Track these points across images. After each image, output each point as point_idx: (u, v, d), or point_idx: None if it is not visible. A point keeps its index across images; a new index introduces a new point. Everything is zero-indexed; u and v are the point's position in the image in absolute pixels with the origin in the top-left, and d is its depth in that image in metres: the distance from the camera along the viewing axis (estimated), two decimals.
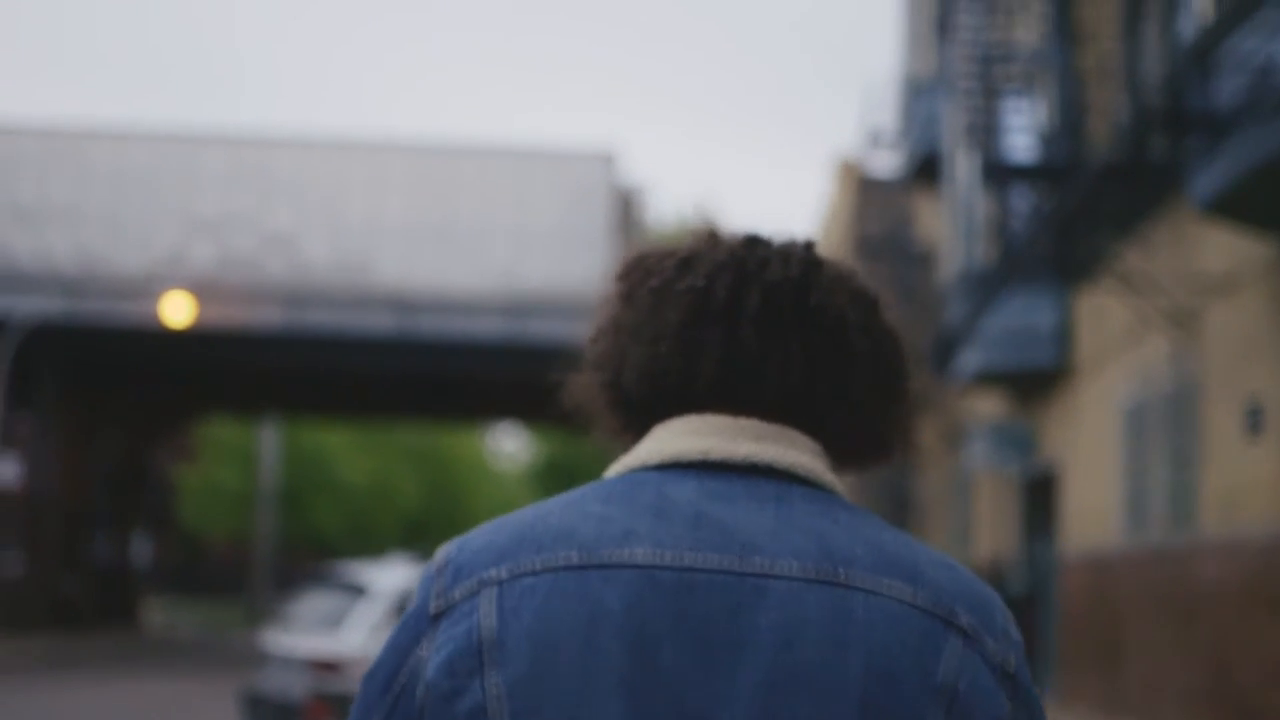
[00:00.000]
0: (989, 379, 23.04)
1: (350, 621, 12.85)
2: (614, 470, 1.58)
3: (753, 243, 1.62)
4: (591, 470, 55.51)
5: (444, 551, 1.53)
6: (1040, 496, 22.56)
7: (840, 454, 1.63)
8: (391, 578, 13.43)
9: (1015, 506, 23.56)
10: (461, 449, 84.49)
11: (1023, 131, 19.42)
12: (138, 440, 45.06)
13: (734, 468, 1.53)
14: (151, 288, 31.39)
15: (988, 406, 25.06)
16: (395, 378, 37.42)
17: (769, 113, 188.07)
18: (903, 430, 1.68)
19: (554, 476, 59.00)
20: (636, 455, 1.57)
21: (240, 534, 55.92)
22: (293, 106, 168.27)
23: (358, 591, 13.30)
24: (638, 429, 1.63)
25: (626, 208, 35.07)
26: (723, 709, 1.38)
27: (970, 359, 22.40)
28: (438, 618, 1.47)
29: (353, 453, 70.61)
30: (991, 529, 24.49)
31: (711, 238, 1.64)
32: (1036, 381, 21.89)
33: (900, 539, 1.51)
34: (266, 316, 32.13)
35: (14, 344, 30.48)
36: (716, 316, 1.55)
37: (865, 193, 42.02)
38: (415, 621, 1.49)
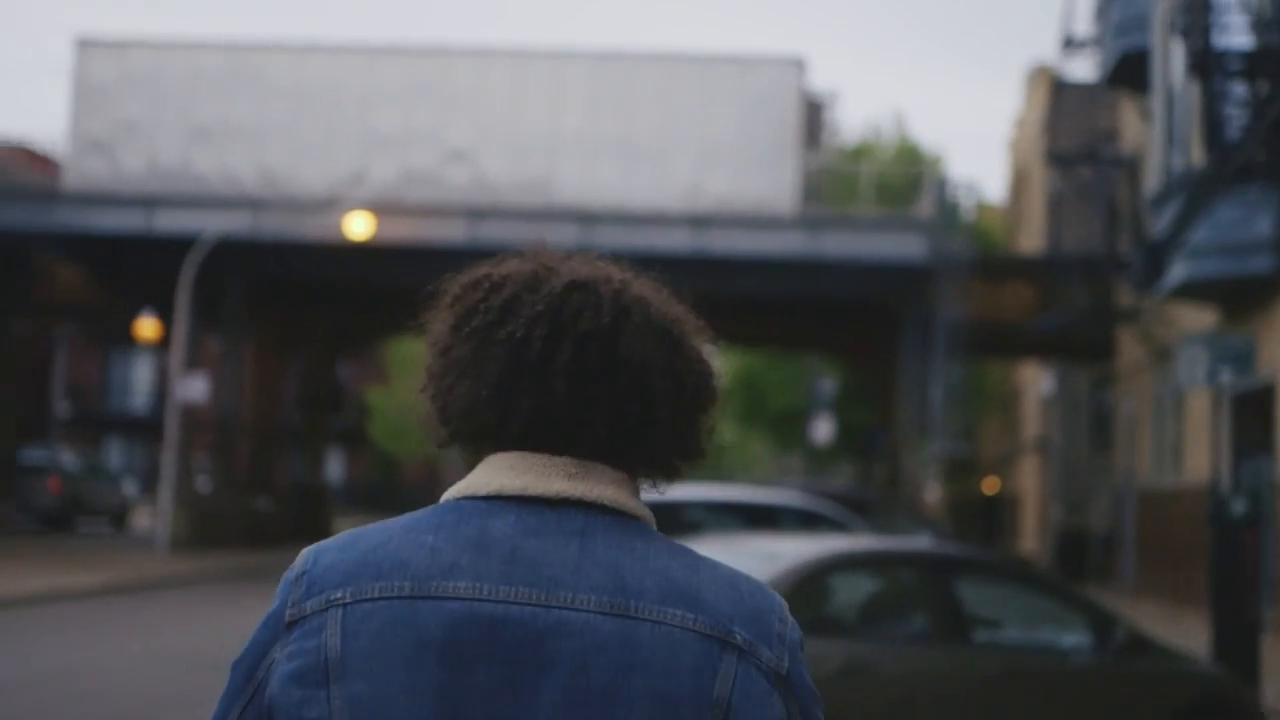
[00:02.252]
0: (1198, 290, 21.73)
1: None
2: (449, 495, 1.79)
3: (571, 289, 1.77)
4: (781, 391, 54.71)
5: (301, 560, 1.77)
6: (1256, 412, 21.24)
7: (648, 471, 1.82)
8: None
9: (1227, 424, 22.24)
10: None
11: (1236, 18, 17.97)
12: (327, 360, 45.31)
13: (548, 501, 1.73)
14: (333, 204, 31.27)
15: (1196, 319, 23.70)
16: None
17: (963, 20, 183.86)
18: (703, 444, 1.83)
19: (747, 395, 58.16)
20: (468, 484, 1.78)
21: (433, 454, 56.15)
22: (472, 24, 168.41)
23: None
24: (465, 449, 1.83)
25: (814, 118, 33.92)
26: None
27: (1178, 270, 21.11)
28: (291, 625, 1.72)
29: None
30: (1202, 448, 23.18)
31: (535, 277, 1.79)
32: (1251, 290, 20.55)
33: (688, 565, 1.73)
34: (448, 232, 31.78)
35: (199, 262, 30.53)
36: (530, 368, 1.73)
37: (1060, 99, 40.37)
38: (274, 624, 1.74)
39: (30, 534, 36.31)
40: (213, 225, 30.71)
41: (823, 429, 38.18)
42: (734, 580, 1.75)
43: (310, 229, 31.45)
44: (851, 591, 9.59)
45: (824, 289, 33.88)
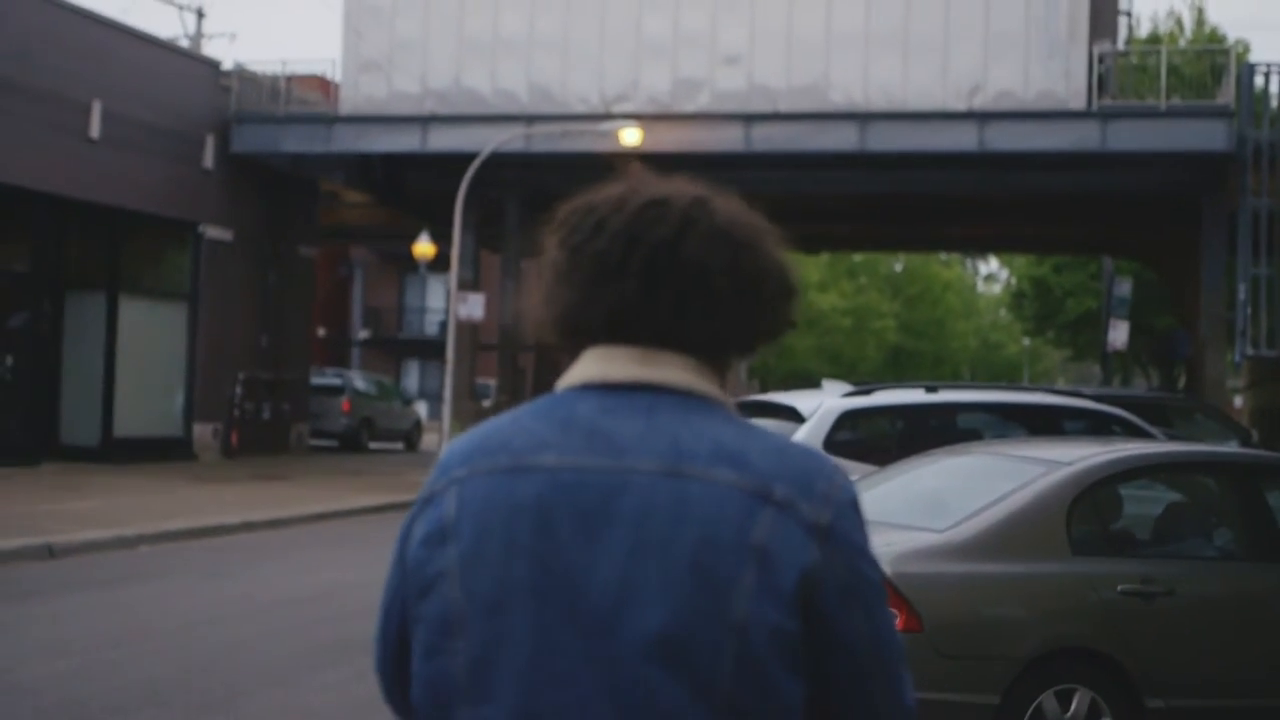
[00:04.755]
0: None
1: None
2: (558, 386, 2.11)
3: (648, 206, 2.05)
4: (1076, 296, 52.85)
5: (442, 453, 2.12)
6: None
7: (720, 353, 2.09)
8: (822, 403, 12.31)
9: None
10: (940, 274, 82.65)
11: None
12: None
13: (623, 385, 2.04)
14: (606, 115, 30.77)
15: None
16: (856, 199, 35.87)
17: None
18: (779, 326, 2.11)
19: (1039, 301, 56.30)
20: (568, 376, 2.10)
21: None
22: None
23: (794, 416, 12.34)
24: (568, 346, 2.14)
25: (1106, 2, 32.04)
26: (597, 568, 1.92)
27: None
28: (425, 503, 2.07)
29: (831, 281, 69.83)
30: None
31: (622, 199, 2.07)
32: None
33: (741, 435, 2.00)
34: (724, 138, 31.01)
35: (475, 179, 30.41)
36: (610, 275, 2.03)
37: None
38: (417, 503, 2.09)
39: (321, 454, 37.00)
40: (487, 141, 30.51)
41: (1119, 334, 36.37)
42: (784, 447, 2.00)
43: (584, 141, 31.01)
44: (1147, 503, 8.56)
45: (1119, 184, 32.21)
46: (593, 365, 2.06)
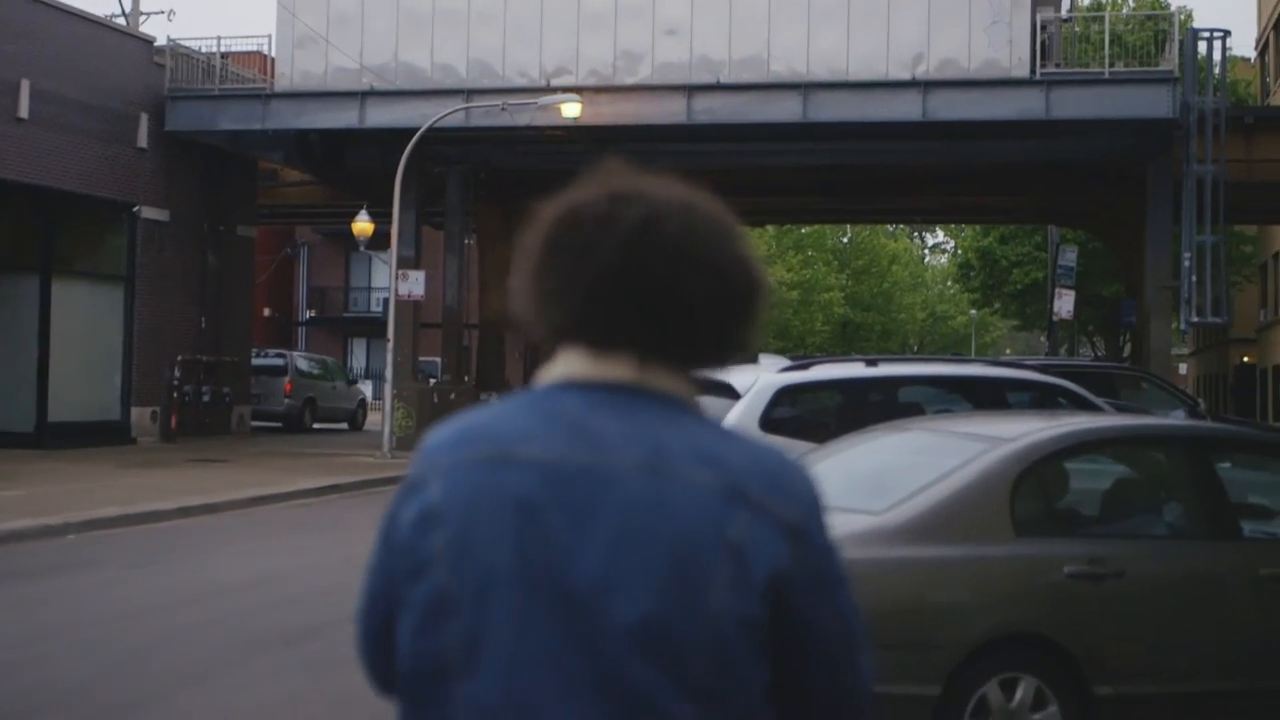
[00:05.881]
0: None
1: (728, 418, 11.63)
2: (541, 380, 2.17)
3: (639, 233, 2.08)
4: (1021, 266, 52.84)
5: (423, 439, 2.20)
6: None
7: (693, 363, 2.16)
8: (758, 378, 11.98)
9: None
10: (887, 246, 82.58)
11: None
12: None
13: (605, 386, 2.11)
14: (547, 88, 30.34)
15: None
16: (801, 171, 35.56)
17: None
18: (751, 338, 2.20)
19: (985, 272, 56.23)
20: (551, 373, 2.16)
21: None
22: None
23: (729, 392, 12.00)
24: (551, 345, 2.19)
25: None
26: (581, 558, 1.99)
27: None
28: (410, 488, 2.12)
29: (778, 254, 69.63)
30: None
31: (608, 217, 2.10)
32: None
33: (718, 437, 2.10)
34: (666, 110, 30.60)
35: (414, 154, 29.93)
36: (603, 300, 2.08)
37: None
38: (402, 489, 2.14)
39: (263, 435, 36.47)
40: (426, 116, 30.01)
41: (1065, 303, 36.24)
42: (757, 450, 2.12)
43: (524, 115, 30.54)
44: (1094, 479, 8.24)
45: (1064, 152, 32.03)
46: (577, 364, 2.12)
